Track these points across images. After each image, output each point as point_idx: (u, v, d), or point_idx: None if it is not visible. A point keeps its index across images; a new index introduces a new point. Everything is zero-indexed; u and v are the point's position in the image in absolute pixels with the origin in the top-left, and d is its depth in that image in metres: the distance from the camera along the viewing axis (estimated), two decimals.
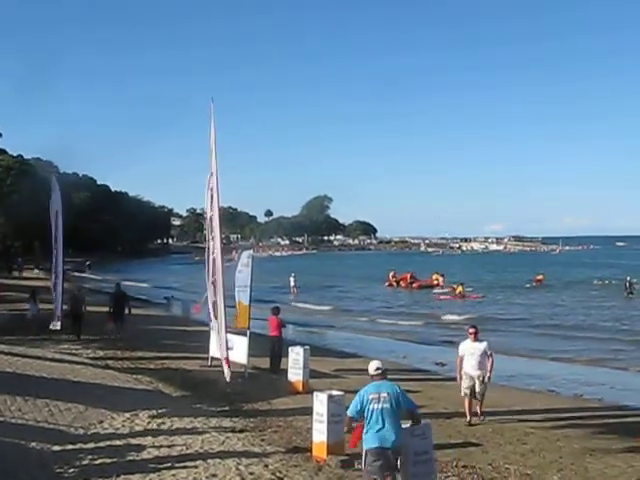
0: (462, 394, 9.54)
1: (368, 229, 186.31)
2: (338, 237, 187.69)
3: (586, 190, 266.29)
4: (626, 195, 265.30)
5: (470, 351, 9.46)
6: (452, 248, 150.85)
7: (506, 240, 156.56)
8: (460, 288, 35.04)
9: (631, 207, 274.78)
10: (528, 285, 41.85)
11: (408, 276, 43.98)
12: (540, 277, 43.42)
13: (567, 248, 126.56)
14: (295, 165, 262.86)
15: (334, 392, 8.02)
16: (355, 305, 32.58)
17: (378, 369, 6.18)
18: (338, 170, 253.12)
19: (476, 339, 9.52)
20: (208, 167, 10.45)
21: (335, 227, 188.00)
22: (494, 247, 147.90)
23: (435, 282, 41.47)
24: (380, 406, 5.95)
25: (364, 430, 5.97)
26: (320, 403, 7.82)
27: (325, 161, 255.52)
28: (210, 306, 11.26)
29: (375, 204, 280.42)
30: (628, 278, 35.28)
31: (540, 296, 35.37)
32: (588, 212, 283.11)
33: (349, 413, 6.08)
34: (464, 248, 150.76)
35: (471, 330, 9.60)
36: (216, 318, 10.98)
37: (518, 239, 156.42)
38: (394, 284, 43.80)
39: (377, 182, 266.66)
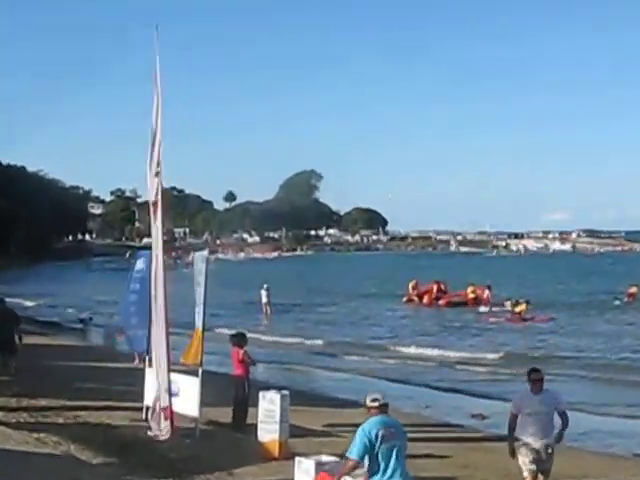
0: (524, 475, 9.15)
1: (374, 220, 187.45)
2: (331, 232, 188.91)
3: None
4: None
5: (532, 409, 9.14)
6: (496, 247, 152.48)
7: (574, 236, 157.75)
8: (522, 307, 34.87)
9: None
10: (617, 302, 41.65)
11: (434, 288, 44.30)
12: (634, 290, 42.67)
13: None
14: (267, 127, 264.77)
15: (325, 457, 8.07)
16: (355, 332, 32.70)
17: (376, 400, 6.94)
18: (329, 133, 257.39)
19: (540, 390, 9.18)
20: (150, 128, 10.43)
21: (327, 217, 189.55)
22: (557, 246, 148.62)
23: (471, 297, 42.04)
24: (393, 446, 6.68)
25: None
26: (305, 474, 7.86)
27: (310, 119, 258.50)
28: (146, 332, 11.31)
29: (384, 184, 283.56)
30: None
31: (634, 318, 35.14)
32: None
33: (354, 456, 6.68)
34: (513, 247, 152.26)
35: (534, 376, 9.23)
36: (153, 350, 11.00)
37: (591, 234, 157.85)
38: (415, 299, 44.29)
39: (386, 150, 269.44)
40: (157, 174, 10.46)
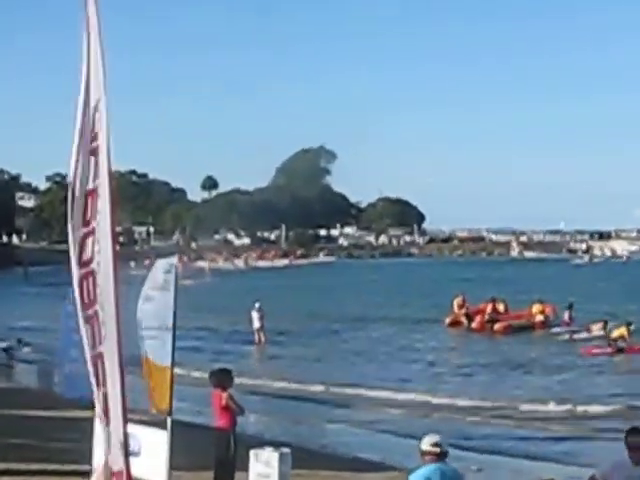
0: None
1: (407, 215, 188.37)
2: (348, 231, 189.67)
3: None
4: None
5: None
6: (573, 252, 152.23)
7: None
8: (620, 331, 34.81)
9: None
10: None
11: (489, 307, 44.77)
12: None
13: None
14: (259, 86, 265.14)
15: None
16: (381, 369, 32.85)
17: (436, 445, 7.42)
18: (345, 92, 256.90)
19: None
20: (82, 90, 10.38)
21: (342, 211, 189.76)
22: None
23: (539, 319, 42.37)
24: None
25: None
26: None
27: (319, 74, 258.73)
28: (90, 368, 11.28)
29: (422, 164, 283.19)
30: None
31: None
32: None
33: None
34: (597, 252, 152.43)
35: (633, 440, 9.21)
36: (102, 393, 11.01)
37: None
38: (463, 321, 44.69)
39: (425, 118, 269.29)
40: (93, 152, 10.36)
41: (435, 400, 26.38)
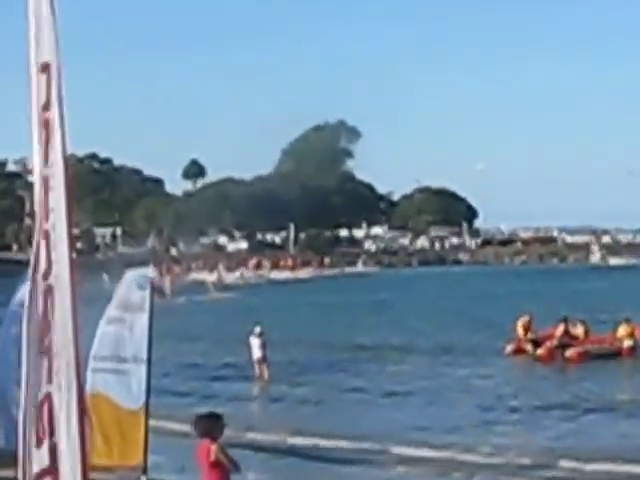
0: None
1: (454, 210, 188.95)
2: (377, 231, 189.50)
3: None
4: None
5: None
6: None
7: None
8: None
9: None
10: None
11: (559, 329, 44.97)
12: None
13: None
14: (255, 44, 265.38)
15: None
16: (420, 413, 32.82)
17: None
18: (370, 50, 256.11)
19: None
20: (31, 53, 10.59)
21: (368, 206, 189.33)
22: None
23: (627, 344, 42.78)
24: None
25: None
26: None
27: (335, 32, 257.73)
28: (30, 414, 11.41)
29: (472, 146, 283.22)
30: None
31: None
32: None
33: None
34: None
35: None
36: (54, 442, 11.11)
37: None
38: (528, 349, 45.05)
39: (475, 85, 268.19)
40: (46, 124, 10.44)
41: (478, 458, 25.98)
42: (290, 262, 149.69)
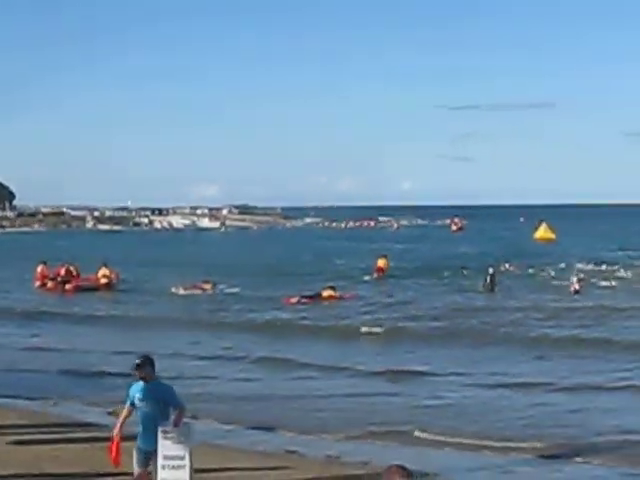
0: None
1: (3, 193, 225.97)
2: None
3: None
4: None
5: None
6: (137, 225, 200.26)
7: (225, 212, 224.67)
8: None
9: None
10: (367, 277, 57.90)
11: (62, 270, 55.07)
12: (381, 264, 58.36)
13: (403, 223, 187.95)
14: None
15: None
16: None
17: None
18: None
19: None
20: None
21: None
22: (205, 223, 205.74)
23: (103, 281, 53.76)
24: None
25: None
26: None
27: None
28: None
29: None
30: (490, 270, 51.04)
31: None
32: None
33: None
34: (157, 225, 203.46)
35: None
36: None
37: (245, 210, 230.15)
38: (49, 284, 54.85)
39: None
40: None
41: None
42: None
